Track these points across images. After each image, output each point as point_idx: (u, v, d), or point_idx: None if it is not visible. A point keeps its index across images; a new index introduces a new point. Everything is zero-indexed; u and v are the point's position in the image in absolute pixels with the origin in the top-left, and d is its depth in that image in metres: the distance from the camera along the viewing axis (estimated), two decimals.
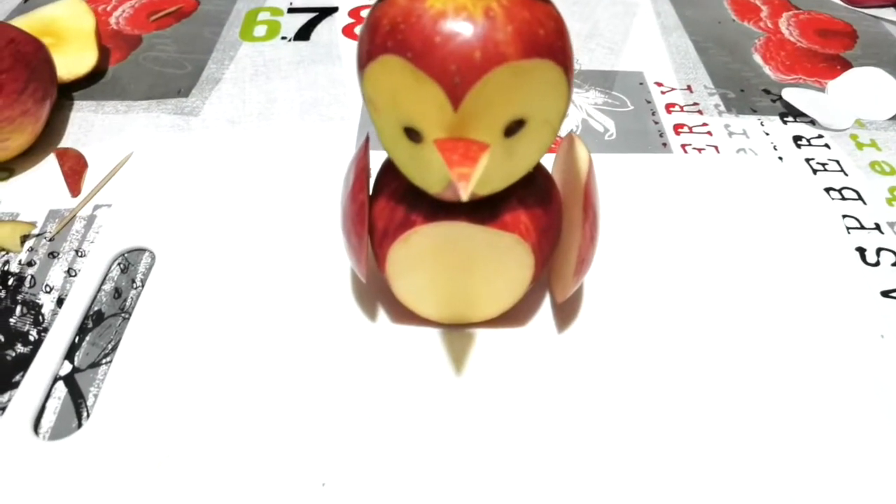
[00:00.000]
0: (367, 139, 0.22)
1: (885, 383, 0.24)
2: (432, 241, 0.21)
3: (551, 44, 0.17)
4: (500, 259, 0.21)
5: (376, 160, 0.23)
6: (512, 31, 0.16)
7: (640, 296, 0.27)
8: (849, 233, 0.31)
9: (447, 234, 0.21)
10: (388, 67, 0.17)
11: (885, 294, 0.28)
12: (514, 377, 0.24)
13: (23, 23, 0.38)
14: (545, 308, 0.26)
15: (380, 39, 0.17)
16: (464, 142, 0.17)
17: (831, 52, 0.43)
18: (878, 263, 0.29)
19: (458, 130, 0.17)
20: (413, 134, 0.18)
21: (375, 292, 0.26)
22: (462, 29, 0.16)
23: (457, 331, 0.25)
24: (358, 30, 0.45)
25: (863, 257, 0.29)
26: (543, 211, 0.22)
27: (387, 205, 0.21)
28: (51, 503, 0.20)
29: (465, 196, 0.15)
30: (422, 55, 0.16)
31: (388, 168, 0.22)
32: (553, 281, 0.26)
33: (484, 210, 0.20)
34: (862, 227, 0.31)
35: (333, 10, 0.48)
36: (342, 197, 0.23)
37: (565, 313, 0.26)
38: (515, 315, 0.25)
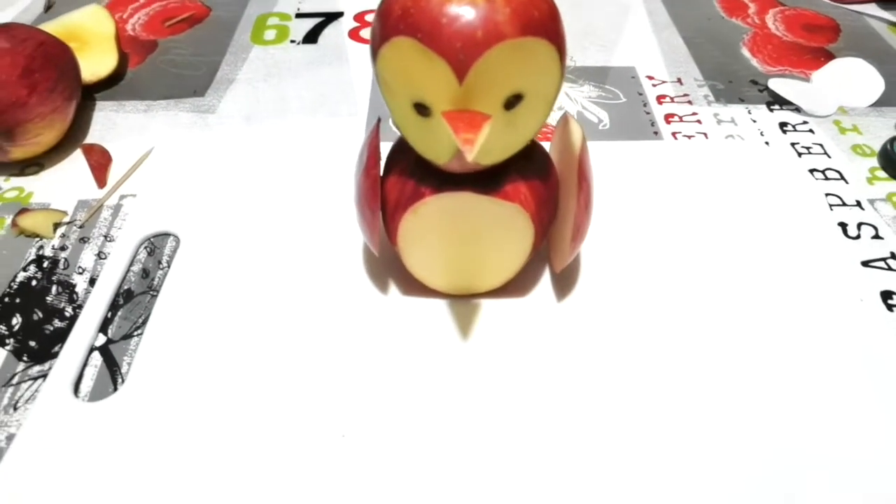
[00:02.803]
0: (378, 121, 0.24)
1: (864, 340, 0.26)
2: (440, 211, 0.23)
3: (545, 24, 0.19)
4: (502, 227, 0.23)
5: (386, 147, 0.25)
6: (510, 13, 0.18)
7: (634, 271, 0.28)
8: (831, 209, 0.32)
9: (454, 204, 0.23)
10: (400, 48, 0.19)
11: (865, 264, 0.30)
12: (516, 343, 0.26)
13: (49, 28, 0.40)
14: (545, 280, 0.28)
15: (392, 23, 0.19)
16: (468, 112, 0.19)
17: (816, 46, 0.45)
18: (858, 237, 0.31)
19: (463, 103, 0.19)
20: (422, 109, 0.20)
21: (387, 268, 0.28)
22: (465, 11, 0.18)
23: (463, 301, 0.27)
24: (363, 33, 0.48)
25: (844, 231, 0.31)
26: (542, 184, 0.23)
27: (398, 180, 0.23)
28: (90, 457, 0.22)
29: (470, 157, 0.17)
30: (430, 35, 0.18)
31: (399, 147, 0.24)
32: (552, 251, 0.27)
33: (487, 182, 0.22)
34: (844, 204, 0.33)
35: (339, 14, 0.50)
36: (356, 174, 0.25)
37: (564, 285, 0.28)
38: (517, 286, 0.27)
